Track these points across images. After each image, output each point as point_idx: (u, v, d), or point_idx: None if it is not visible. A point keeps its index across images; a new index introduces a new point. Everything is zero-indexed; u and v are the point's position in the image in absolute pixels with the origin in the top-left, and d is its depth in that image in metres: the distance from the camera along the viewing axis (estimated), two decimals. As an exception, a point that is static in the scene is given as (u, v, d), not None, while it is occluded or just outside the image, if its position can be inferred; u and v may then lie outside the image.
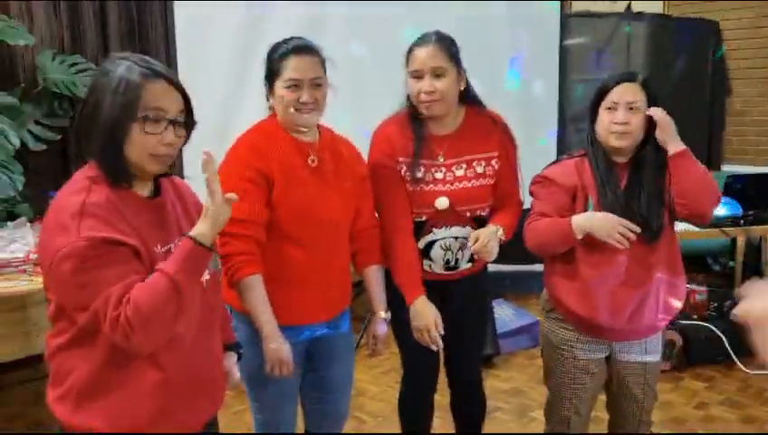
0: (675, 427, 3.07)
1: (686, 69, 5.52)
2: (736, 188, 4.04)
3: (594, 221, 1.92)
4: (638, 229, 1.90)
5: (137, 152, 1.36)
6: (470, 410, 2.48)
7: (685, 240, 2.80)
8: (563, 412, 2.14)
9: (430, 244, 2.14)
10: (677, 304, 2.07)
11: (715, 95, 5.75)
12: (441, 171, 2.11)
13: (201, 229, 1.36)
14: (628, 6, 5.17)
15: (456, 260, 2.17)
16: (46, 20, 3.52)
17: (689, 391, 3.45)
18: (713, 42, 5.68)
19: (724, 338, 3.67)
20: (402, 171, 2.09)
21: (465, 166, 2.12)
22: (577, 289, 2.01)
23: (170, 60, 3.59)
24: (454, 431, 2.54)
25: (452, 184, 2.11)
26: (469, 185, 2.12)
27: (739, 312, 1.23)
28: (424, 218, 2.11)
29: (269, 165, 1.85)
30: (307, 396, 2.11)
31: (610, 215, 1.91)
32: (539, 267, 2.26)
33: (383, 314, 2.09)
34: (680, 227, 2.37)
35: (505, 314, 4.13)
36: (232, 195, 1.39)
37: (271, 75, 1.89)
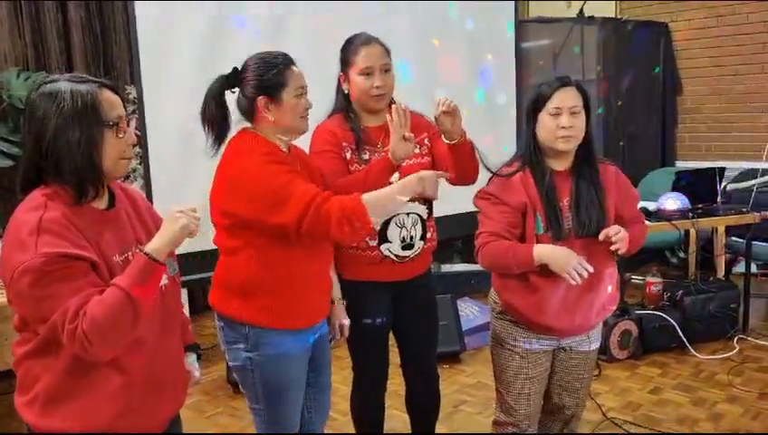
0: (630, 411, 3.23)
1: (638, 69, 5.73)
2: (685, 183, 4.20)
3: (553, 256, 1.97)
4: (591, 269, 1.95)
5: (111, 159, 1.43)
6: (426, 407, 2.59)
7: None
8: (516, 405, 2.22)
9: (386, 224, 2.24)
10: (614, 290, 2.20)
11: (667, 94, 5.98)
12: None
13: (155, 244, 1.43)
14: (581, 11, 5.35)
15: (411, 237, 2.29)
16: (10, 38, 3.58)
17: (645, 378, 3.61)
18: (663, 43, 5.90)
19: (677, 326, 3.85)
20: (348, 156, 2.22)
21: None
22: (530, 300, 2.09)
23: (134, 74, 3.66)
24: (409, 428, 2.65)
25: (398, 170, 2.21)
26: (412, 162, 2.25)
27: None
28: None
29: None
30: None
31: (569, 251, 1.97)
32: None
33: (343, 300, 2.23)
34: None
35: (470, 311, 4.28)
36: (192, 207, 1.48)
37: (273, 88, 1.90)
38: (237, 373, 2.05)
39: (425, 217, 2.32)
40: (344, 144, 2.23)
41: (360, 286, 2.28)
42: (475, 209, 2.20)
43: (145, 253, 1.41)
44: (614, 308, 2.26)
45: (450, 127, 2.10)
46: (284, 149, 1.98)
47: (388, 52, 2.25)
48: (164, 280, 1.54)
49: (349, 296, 2.22)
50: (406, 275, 2.33)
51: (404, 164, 2.20)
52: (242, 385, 2.06)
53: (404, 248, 2.28)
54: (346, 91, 2.28)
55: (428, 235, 2.34)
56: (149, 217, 1.65)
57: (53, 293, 1.33)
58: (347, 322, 2.23)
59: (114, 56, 3.85)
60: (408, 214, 2.26)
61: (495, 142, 4.93)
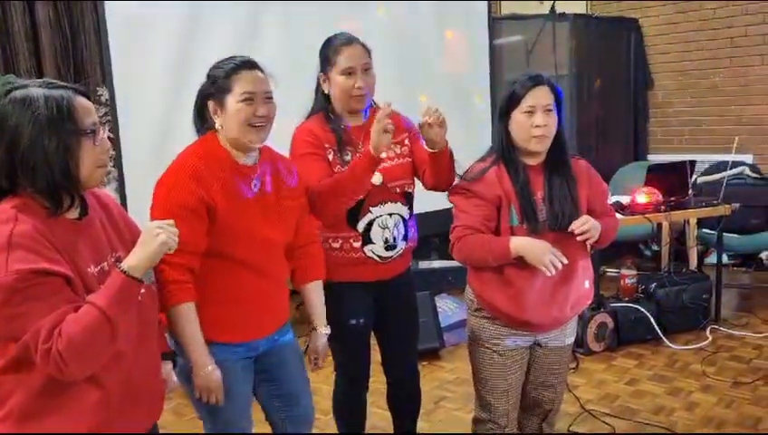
0: (608, 403, 3.28)
1: (609, 65, 5.80)
2: (657, 176, 4.26)
3: (529, 247, 2.00)
4: (566, 261, 1.99)
5: (87, 168, 1.39)
6: (408, 404, 2.61)
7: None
8: (494, 402, 2.24)
9: (369, 225, 2.25)
10: (590, 284, 2.24)
11: (638, 89, 6.06)
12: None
13: (133, 262, 1.38)
14: (552, 7, 5.39)
15: (394, 238, 2.30)
16: (-23, 41, 3.51)
17: (621, 369, 3.67)
18: (633, 38, 5.98)
19: (651, 318, 3.91)
20: (331, 157, 2.21)
21: (383, 150, 2.25)
22: (507, 293, 2.10)
23: (105, 76, 3.61)
24: (391, 426, 2.66)
25: (380, 165, 2.21)
26: (394, 163, 2.27)
27: None
28: (361, 197, 2.20)
29: (211, 194, 1.82)
30: (271, 407, 2.13)
31: (545, 243, 2.00)
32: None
33: (323, 329, 2.17)
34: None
35: (448, 308, 4.31)
36: (170, 221, 1.44)
37: (217, 94, 1.86)
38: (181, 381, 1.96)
39: (407, 217, 2.33)
40: (326, 145, 2.21)
41: (342, 287, 2.28)
42: (451, 206, 2.21)
43: (123, 271, 1.37)
44: (589, 303, 2.29)
45: (435, 137, 2.09)
46: (240, 161, 1.89)
47: (368, 51, 2.24)
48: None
49: (331, 297, 2.21)
50: (388, 275, 2.34)
51: (386, 165, 2.21)
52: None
53: (387, 249, 2.29)
54: (326, 92, 2.26)
55: (410, 234, 2.36)
56: (124, 225, 1.60)
57: (25, 311, 1.28)
58: (323, 348, 2.18)
59: (84, 57, 3.80)
60: (390, 215, 2.27)
61: (468, 138, 4.96)
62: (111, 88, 3.43)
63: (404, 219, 2.32)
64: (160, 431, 1.79)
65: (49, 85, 1.40)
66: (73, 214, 1.45)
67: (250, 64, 1.87)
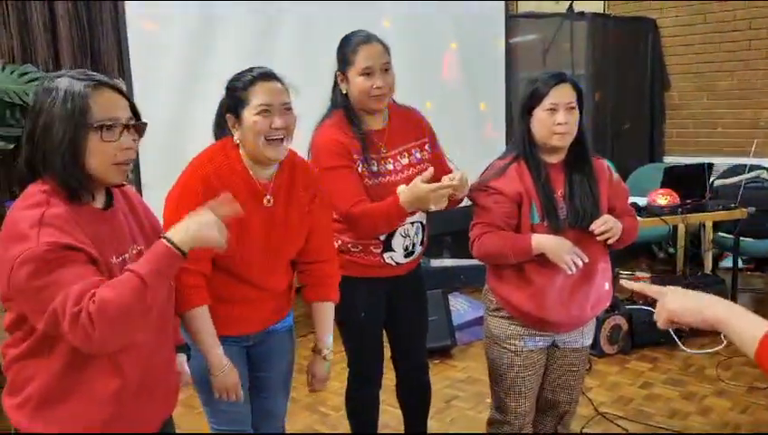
0: (621, 406, 3.25)
1: (626, 65, 5.76)
2: (674, 178, 4.22)
3: (550, 245, 2.00)
4: (586, 259, 1.99)
5: (97, 162, 1.37)
6: (417, 400, 2.59)
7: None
8: (512, 403, 2.21)
9: (391, 234, 2.23)
10: (609, 286, 2.21)
11: (654, 90, 6.01)
12: (390, 162, 2.22)
13: (179, 235, 1.35)
14: (570, 6, 5.36)
15: (413, 244, 2.29)
16: (-5, 31, 3.52)
17: (635, 372, 3.64)
18: (651, 39, 5.93)
19: (666, 321, 3.86)
20: (360, 168, 2.17)
21: (406, 154, 2.26)
22: (528, 292, 2.09)
23: (123, 68, 3.61)
24: (402, 423, 2.64)
25: (403, 172, 2.22)
26: (416, 171, 2.23)
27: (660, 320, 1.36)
28: None
29: None
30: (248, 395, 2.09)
31: (567, 241, 2.00)
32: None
33: (325, 352, 2.07)
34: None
35: (461, 307, 4.28)
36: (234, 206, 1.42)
37: (235, 107, 1.82)
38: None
39: (424, 222, 2.33)
40: (354, 156, 2.15)
41: (356, 283, 2.26)
42: (464, 205, 2.20)
43: (168, 240, 1.34)
44: (608, 304, 2.27)
45: (457, 193, 2.06)
46: (255, 176, 1.85)
47: (387, 50, 2.19)
48: None
49: (344, 292, 2.20)
50: (401, 272, 2.34)
51: (408, 173, 2.21)
52: None
53: (406, 256, 2.29)
54: (344, 92, 2.21)
55: (425, 238, 2.36)
56: (146, 220, 1.60)
57: (55, 280, 1.26)
58: (320, 375, 2.10)
59: (102, 49, 3.79)
60: (412, 223, 2.26)
61: (483, 136, 4.94)
62: (129, 79, 3.43)
63: (422, 225, 2.31)
64: (173, 424, 1.77)
65: (79, 76, 1.39)
66: (98, 204, 1.45)
67: (267, 76, 1.82)
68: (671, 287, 1.37)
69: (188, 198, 1.75)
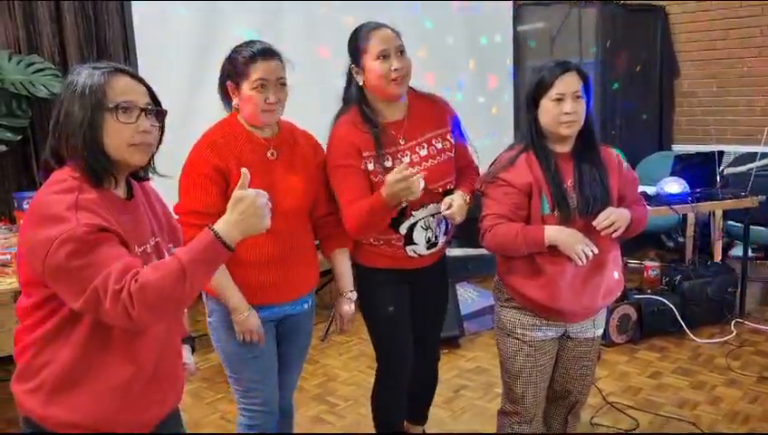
0: (631, 396, 3.23)
1: (635, 52, 5.71)
2: (684, 166, 4.19)
3: (562, 236, 1.99)
4: (597, 250, 1.98)
5: (115, 144, 1.40)
6: (426, 387, 2.61)
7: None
8: (523, 394, 2.20)
9: (411, 227, 2.22)
10: (619, 275, 2.20)
11: (664, 78, 5.96)
12: (407, 155, 2.17)
13: (226, 228, 1.36)
14: (579, -7, 5.31)
15: (436, 236, 2.27)
16: (1, 21, 3.50)
17: (644, 362, 3.62)
18: (660, 26, 5.87)
19: (675, 310, 3.85)
20: (371, 166, 2.13)
21: (426, 145, 2.21)
22: (539, 283, 2.08)
23: (129, 57, 3.60)
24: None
25: (420, 165, 2.17)
26: (435, 162, 2.20)
27: None
28: (404, 205, 2.14)
29: (226, 161, 1.95)
30: None
31: (577, 233, 1.99)
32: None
33: (349, 293, 2.22)
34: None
35: (469, 296, 4.27)
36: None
37: (235, 77, 1.97)
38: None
39: None
40: (365, 154, 2.13)
41: (379, 275, 2.25)
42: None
43: (214, 232, 1.35)
44: (619, 293, 2.25)
45: (455, 218, 2.16)
46: (261, 135, 2.02)
47: (398, 34, 2.16)
48: None
49: (368, 284, 2.18)
50: (425, 263, 2.31)
51: (427, 164, 2.18)
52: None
53: (429, 248, 2.27)
54: (360, 84, 2.17)
55: (448, 227, 2.32)
56: (161, 209, 1.62)
57: (95, 260, 1.28)
58: (347, 312, 2.22)
59: (108, 39, 3.77)
60: (432, 216, 2.24)
61: (491, 125, 4.91)
62: (135, 69, 3.40)
63: (445, 217, 2.26)
64: (180, 414, 1.77)
65: (101, 65, 1.43)
66: (120, 193, 1.48)
67: (268, 53, 1.96)
68: None
69: (198, 162, 1.96)
